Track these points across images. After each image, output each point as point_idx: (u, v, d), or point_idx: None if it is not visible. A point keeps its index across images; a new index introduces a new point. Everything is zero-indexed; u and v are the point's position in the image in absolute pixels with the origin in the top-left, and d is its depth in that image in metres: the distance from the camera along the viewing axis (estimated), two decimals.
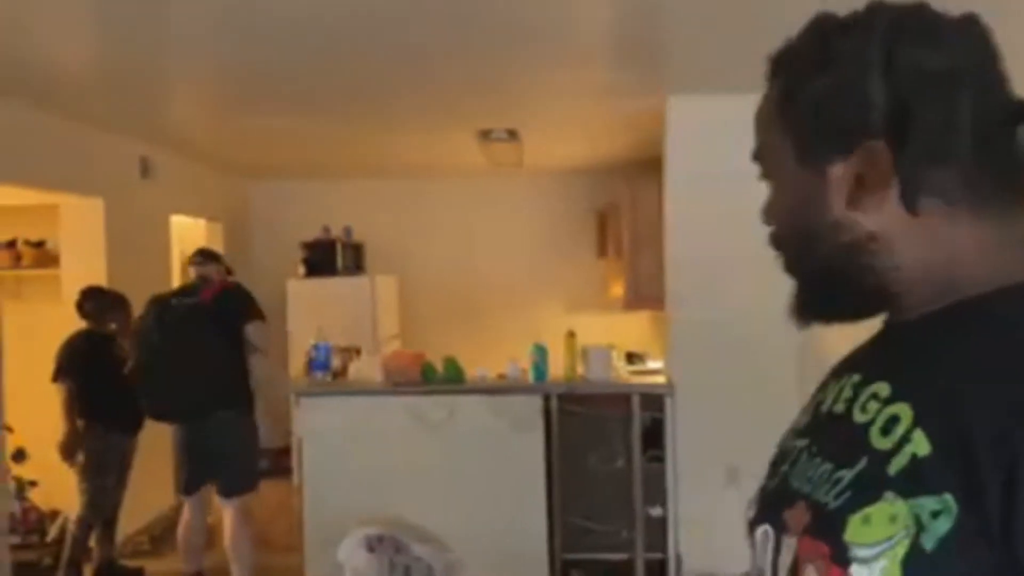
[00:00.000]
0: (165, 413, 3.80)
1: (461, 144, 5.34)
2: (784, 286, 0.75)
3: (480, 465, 3.83)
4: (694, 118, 3.95)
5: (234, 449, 3.76)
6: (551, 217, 7.27)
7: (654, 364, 5.26)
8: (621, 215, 4.68)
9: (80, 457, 4.04)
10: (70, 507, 4.45)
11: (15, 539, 4.65)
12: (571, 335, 4.14)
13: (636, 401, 3.97)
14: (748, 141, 0.78)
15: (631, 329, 6.70)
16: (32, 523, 4.87)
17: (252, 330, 3.77)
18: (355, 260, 6.76)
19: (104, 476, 4.13)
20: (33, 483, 4.96)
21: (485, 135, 4.86)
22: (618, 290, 6.63)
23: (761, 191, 0.77)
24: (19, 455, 4.94)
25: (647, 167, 4.67)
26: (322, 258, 6.44)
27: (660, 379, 4.22)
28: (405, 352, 4.06)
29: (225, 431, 3.72)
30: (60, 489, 4.56)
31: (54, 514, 4.98)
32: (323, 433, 3.99)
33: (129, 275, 4.66)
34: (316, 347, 4.15)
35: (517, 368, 4.24)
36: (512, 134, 4.83)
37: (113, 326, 4.23)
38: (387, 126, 4.83)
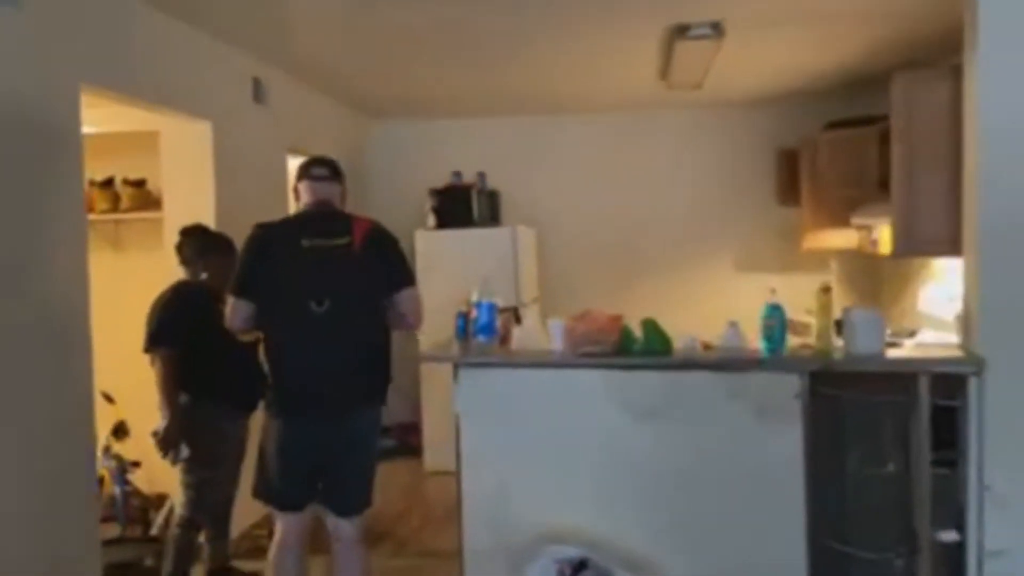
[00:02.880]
0: (307, 406, 2.65)
1: (638, 52, 4.25)
2: None
3: (710, 466, 2.78)
4: None
5: (368, 454, 2.78)
6: (719, 158, 6.11)
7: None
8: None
9: (185, 451, 3.19)
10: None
11: (113, 532, 3.94)
12: (825, 290, 3.01)
13: (924, 384, 2.82)
14: None
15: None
16: (134, 511, 4.16)
17: (408, 298, 2.70)
18: (490, 209, 5.80)
19: (215, 466, 3.29)
20: (136, 464, 4.25)
21: (680, 32, 3.74)
22: (811, 242, 5.44)
23: None
24: (120, 431, 4.23)
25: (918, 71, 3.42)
26: (455, 207, 5.53)
27: (953, 352, 3.04)
28: (598, 313, 3.04)
29: (362, 431, 2.73)
30: (167, 470, 3.74)
31: (160, 499, 4.27)
32: (489, 414, 3.04)
33: (240, 218, 3.82)
34: (478, 306, 3.18)
35: (738, 334, 3.15)
36: (716, 28, 3.68)
37: (204, 276, 3.34)
38: (552, 25, 3.78)
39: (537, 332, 3.34)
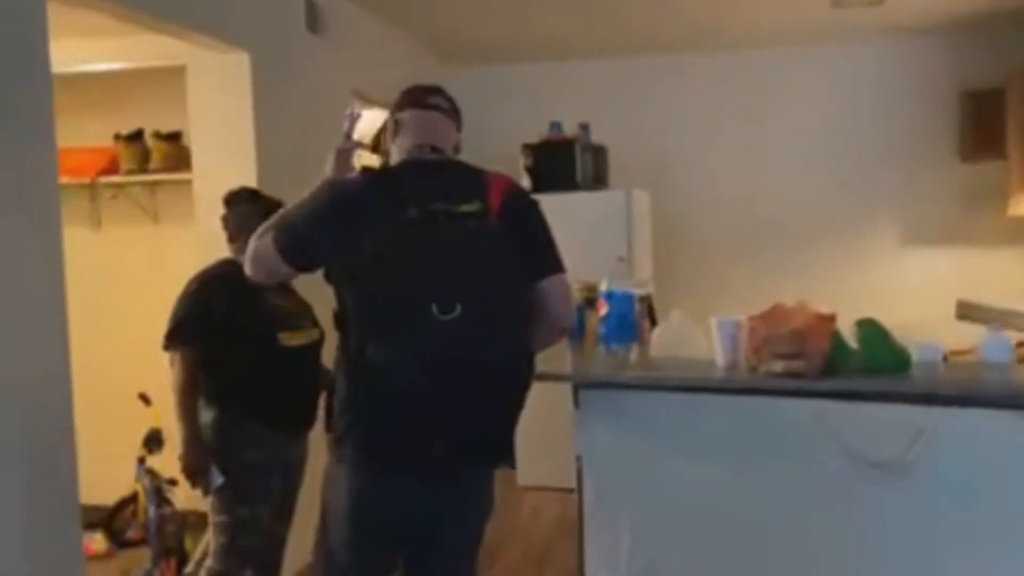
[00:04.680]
0: (413, 459, 1.70)
1: None
2: None
3: (1004, 555, 1.76)
4: None
5: (484, 522, 1.89)
6: (884, 102, 4.93)
7: None
8: None
9: (219, 478, 2.37)
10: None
11: (141, 567, 3.21)
12: None
13: None
14: None
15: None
16: (169, 538, 3.42)
17: (556, 289, 1.74)
18: (595, 169, 4.80)
19: (254, 502, 2.46)
20: (173, 481, 3.49)
21: None
22: (1020, 206, 4.24)
23: None
24: (154, 440, 3.48)
25: None
26: (555, 165, 4.57)
27: None
28: (795, 309, 2.03)
29: (484, 491, 1.84)
30: None
31: (201, 521, 3.51)
32: (627, 459, 2.09)
33: (288, 180, 2.97)
34: (609, 297, 2.21)
35: (1004, 343, 2.09)
36: None
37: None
38: None
39: (689, 334, 2.35)
